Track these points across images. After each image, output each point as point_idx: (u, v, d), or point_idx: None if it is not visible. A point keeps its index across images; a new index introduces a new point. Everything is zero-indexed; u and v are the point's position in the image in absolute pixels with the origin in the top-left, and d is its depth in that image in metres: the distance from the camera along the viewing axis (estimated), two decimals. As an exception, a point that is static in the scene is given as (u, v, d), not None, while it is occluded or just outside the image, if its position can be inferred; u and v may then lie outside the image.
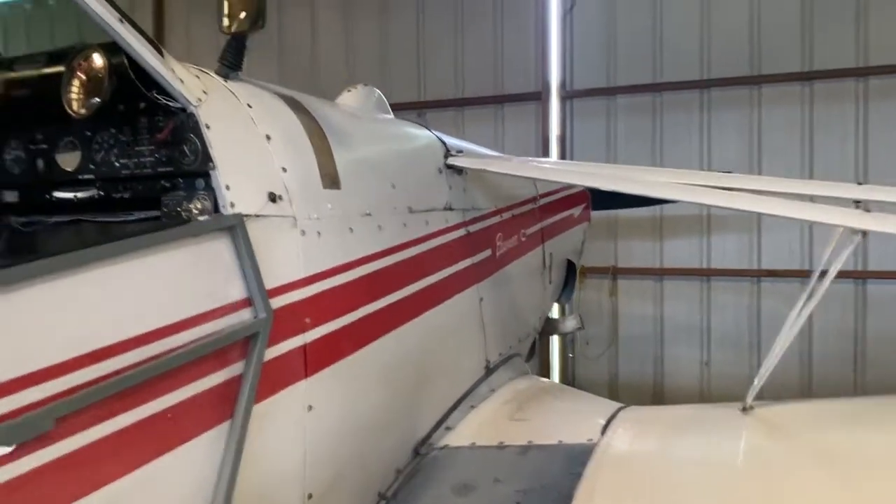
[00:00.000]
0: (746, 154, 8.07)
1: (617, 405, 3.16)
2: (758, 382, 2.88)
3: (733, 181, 3.16)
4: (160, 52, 2.01)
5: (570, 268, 5.59)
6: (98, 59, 2.08)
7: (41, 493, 1.50)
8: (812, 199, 3.05)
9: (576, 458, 2.65)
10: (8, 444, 1.44)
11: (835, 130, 7.78)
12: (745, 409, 2.86)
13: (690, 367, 8.49)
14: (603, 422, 2.94)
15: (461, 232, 3.46)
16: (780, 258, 8.02)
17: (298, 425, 2.22)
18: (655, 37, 8.36)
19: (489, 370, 3.60)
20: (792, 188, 3.07)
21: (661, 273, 8.55)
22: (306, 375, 2.24)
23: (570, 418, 3.18)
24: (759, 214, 2.99)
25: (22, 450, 1.47)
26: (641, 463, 2.76)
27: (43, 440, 1.51)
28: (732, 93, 8.11)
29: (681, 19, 8.22)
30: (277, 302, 2.13)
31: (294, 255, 2.28)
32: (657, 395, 8.56)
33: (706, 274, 8.38)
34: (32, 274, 1.56)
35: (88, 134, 2.26)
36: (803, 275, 7.54)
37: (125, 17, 1.90)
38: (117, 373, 1.67)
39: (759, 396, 2.89)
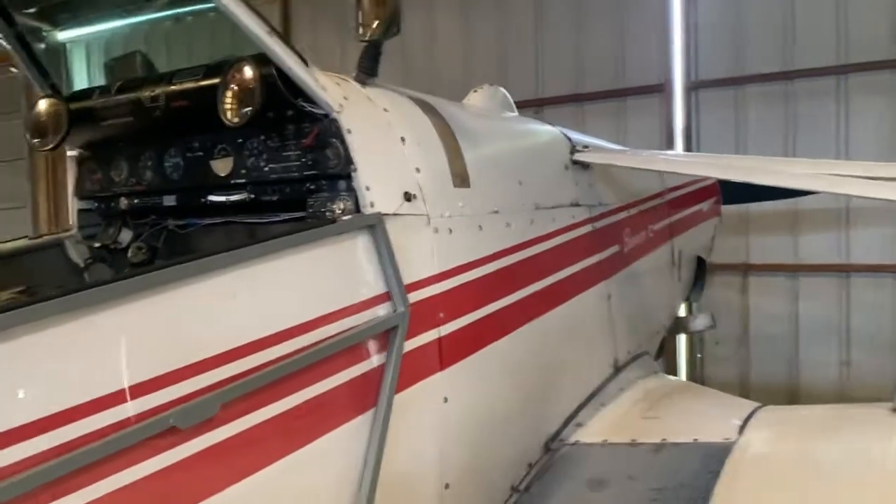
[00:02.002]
0: (888, 144, 7.53)
1: (754, 404, 3.06)
2: (909, 382, 2.71)
3: (876, 170, 2.98)
4: (305, 63, 2.14)
5: (700, 264, 5.43)
6: (249, 71, 2.23)
7: (205, 475, 1.63)
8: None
9: (713, 457, 2.59)
10: (182, 426, 1.58)
11: None
12: (894, 410, 2.70)
13: (828, 368, 8.03)
14: (740, 421, 2.86)
15: (588, 228, 3.45)
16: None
17: (435, 416, 2.29)
18: (786, 20, 7.93)
19: (618, 368, 3.57)
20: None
21: (796, 269, 8.13)
22: (441, 368, 2.31)
23: (705, 417, 3.11)
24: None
25: (192, 433, 1.60)
26: (783, 462, 2.66)
27: (208, 425, 1.64)
28: (873, 78, 7.60)
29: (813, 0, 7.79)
30: (413, 296, 2.21)
31: (428, 251, 2.36)
32: (792, 397, 8.13)
33: (846, 270, 7.90)
34: (197, 272, 1.70)
35: (240, 141, 2.42)
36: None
37: (274, 30, 2.03)
38: (270, 363, 1.78)
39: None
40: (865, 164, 3.37)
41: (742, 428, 2.80)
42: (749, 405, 3.07)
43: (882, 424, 2.70)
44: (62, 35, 3.95)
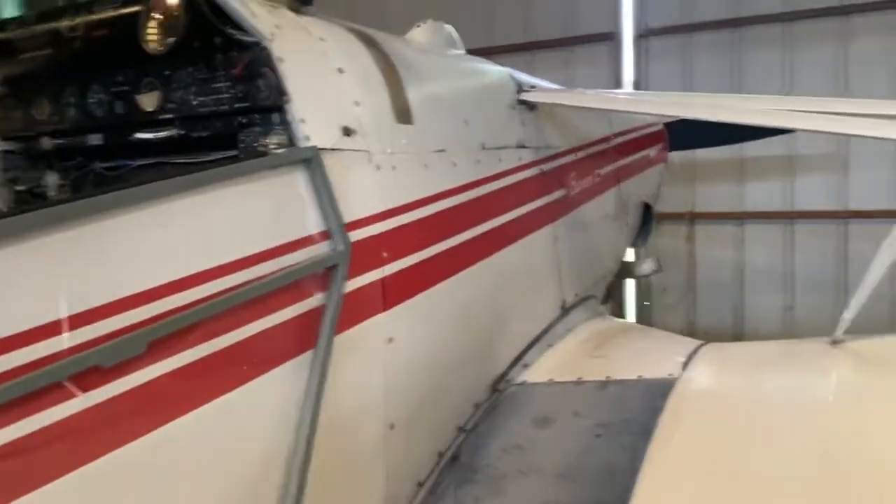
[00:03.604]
0: (832, 93, 7.61)
1: (698, 342, 3.10)
2: (848, 315, 2.75)
3: (819, 105, 2.98)
4: None
5: (647, 211, 5.46)
6: None
7: (133, 414, 1.56)
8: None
9: (656, 393, 2.61)
10: (106, 364, 1.50)
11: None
12: (834, 343, 2.75)
13: (773, 313, 8.24)
14: (684, 358, 2.88)
15: (535, 170, 3.41)
16: (870, 198, 7.64)
17: (379, 357, 2.25)
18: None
19: (565, 310, 3.58)
20: (882, 110, 2.87)
21: (741, 217, 8.27)
22: (385, 308, 2.27)
23: (650, 355, 3.13)
24: (849, 137, 2.80)
25: (117, 371, 1.53)
26: (726, 396, 2.71)
27: (136, 363, 1.56)
28: (818, 25, 7.67)
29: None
30: (355, 235, 2.15)
31: (370, 189, 2.29)
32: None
33: (790, 217, 8.07)
34: (121, 202, 1.61)
35: (167, 73, 2.29)
36: (894, 216, 7.17)
37: None
38: (203, 301, 1.71)
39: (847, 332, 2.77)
40: (818, 99, 3.37)
41: (686, 364, 2.82)
42: (693, 343, 3.10)
43: (821, 358, 2.75)
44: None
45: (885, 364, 2.72)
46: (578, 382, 2.88)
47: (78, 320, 1.47)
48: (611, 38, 8.49)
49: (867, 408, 2.40)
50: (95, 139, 2.55)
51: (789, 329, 8.09)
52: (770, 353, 3.14)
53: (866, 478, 2.08)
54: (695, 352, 2.94)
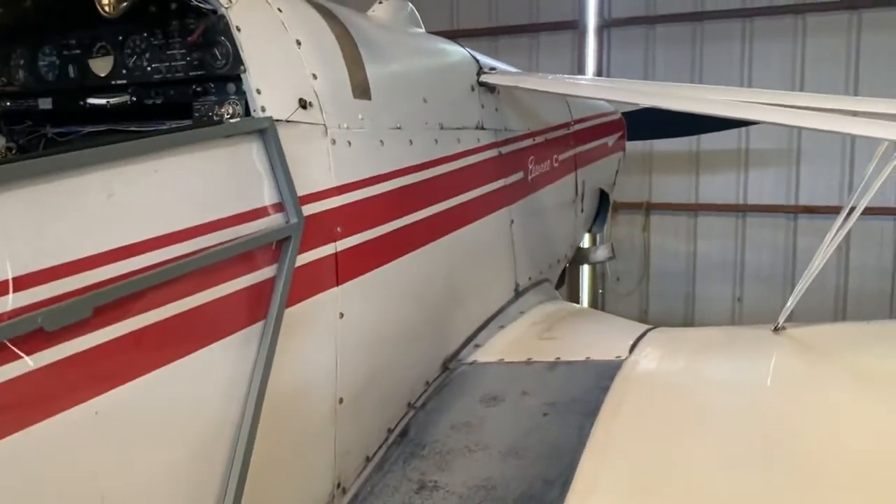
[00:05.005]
0: (789, 87, 7.82)
1: (646, 326, 3.16)
2: (791, 303, 2.84)
3: (776, 98, 3.05)
4: None
5: (603, 198, 5.52)
6: None
7: (77, 379, 1.54)
8: (856, 115, 2.94)
9: (603, 374, 2.66)
10: (50, 328, 1.48)
11: (881, 61, 7.50)
12: (776, 330, 2.83)
13: (722, 303, 8.44)
14: (632, 341, 2.94)
15: (493, 152, 3.43)
16: (819, 194, 7.85)
17: (330, 331, 2.25)
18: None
19: (518, 293, 3.61)
20: (836, 104, 2.96)
21: (695, 209, 8.44)
22: (337, 283, 2.26)
23: (599, 337, 3.19)
24: (800, 129, 2.87)
25: (61, 335, 1.51)
26: (670, 379, 2.77)
27: (82, 327, 1.54)
28: (776, 22, 7.83)
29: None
30: (309, 209, 2.14)
31: (325, 163, 2.28)
32: (688, 331, 8.53)
33: (742, 210, 8.26)
34: (68, 165, 1.58)
35: (120, 38, 2.25)
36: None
37: None
38: (152, 268, 1.69)
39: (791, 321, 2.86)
40: (764, 92, 3.45)
41: (633, 347, 2.88)
42: (641, 327, 3.16)
43: (764, 344, 2.83)
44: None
45: (822, 351, 2.81)
46: (528, 363, 2.92)
47: (23, 282, 1.45)
48: (574, 26, 8.54)
49: (804, 392, 2.48)
50: (46, 103, 2.50)
51: (738, 319, 8.31)
52: (714, 339, 3.21)
53: (803, 459, 2.15)
54: (642, 335, 3.00)
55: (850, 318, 7.74)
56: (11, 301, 1.43)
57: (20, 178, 1.49)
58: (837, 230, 2.78)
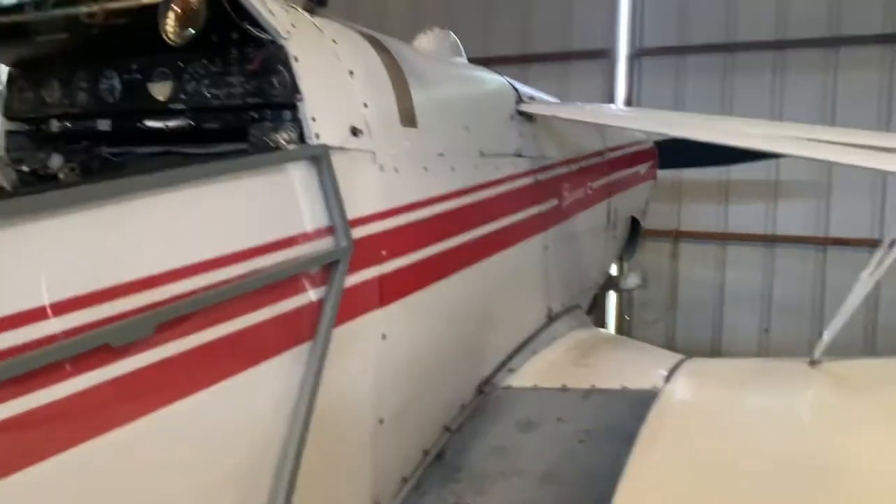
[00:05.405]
0: (820, 120, 7.79)
1: (680, 356, 3.17)
2: (827, 337, 2.85)
3: (813, 133, 3.07)
4: None
5: (634, 225, 5.56)
6: None
7: (136, 396, 1.60)
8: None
9: (639, 403, 2.67)
10: (115, 344, 1.54)
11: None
12: (812, 364, 2.84)
13: (749, 334, 8.37)
14: (667, 371, 2.95)
15: (529, 179, 3.48)
16: (850, 226, 7.80)
17: (373, 352, 2.30)
18: (731, -6, 8.10)
19: (551, 318, 3.65)
20: (870, 141, 2.97)
21: (724, 238, 8.41)
22: (381, 305, 2.31)
23: (634, 366, 3.20)
24: (831, 164, 2.89)
25: (125, 352, 1.57)
26: (706, 410, 2.77)
27: (143, 345, 1.60)
28: (808, 55, 7.84)
29: (758, -25, 7.96)
30: (356, 233, 2.20)
31: (373, 188, 2.34)
32: (714, 361, 8.46)
33: (771, 240, 8.21)
34: (135, 188, 1.65)
35: (181, 64, 2.33)
36: (872, 244, 7.32)
37: None
38: (208, 288, 1.75)
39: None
40: (801, 126, 3.48)
41: (668, 377, 2.90)
42: (676, 357, 3.17)
43: (799, 377, 2.84)
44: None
45: (860, 386, 2.81)
46: (563, 389, 2.94)
47: (89, 300, 1.51)
48: (605, 55, 8.61)
49: (842, 427, 2.48)
50: (104, 125, 2.58)
51: (764, 350, 8.22)
52: (750, 370, 3.22)
53: (840, 495, 2.14)
54: (677, 365, 3.01)
55: (880, 352, 7.65)
56: (80, 317, 1.49)
57: (93, 199, 1.56)
58: (879, 262, 2.79)
